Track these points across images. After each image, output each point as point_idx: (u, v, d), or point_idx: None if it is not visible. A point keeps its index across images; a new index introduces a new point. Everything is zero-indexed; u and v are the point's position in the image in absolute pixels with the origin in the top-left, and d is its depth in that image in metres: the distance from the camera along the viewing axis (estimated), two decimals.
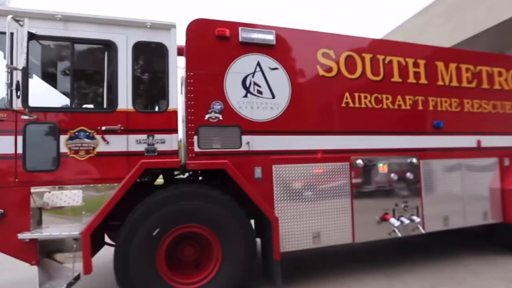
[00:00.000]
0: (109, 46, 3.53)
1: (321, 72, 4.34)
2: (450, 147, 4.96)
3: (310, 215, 4.04)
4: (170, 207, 3.27)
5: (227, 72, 3.91)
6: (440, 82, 5.04)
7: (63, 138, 3.33)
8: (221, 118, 3.84)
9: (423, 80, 4.92)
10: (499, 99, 5.43)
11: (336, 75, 4.41)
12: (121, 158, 3.48)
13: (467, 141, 5.11)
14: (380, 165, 4.48)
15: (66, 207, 3.32)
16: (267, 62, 4.09)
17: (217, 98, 3.85)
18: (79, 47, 3.45)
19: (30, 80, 3.29)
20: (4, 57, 2.91)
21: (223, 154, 3.79)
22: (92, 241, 3.19)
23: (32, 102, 3.27)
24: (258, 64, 4.05)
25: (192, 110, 3.74)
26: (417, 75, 4.88)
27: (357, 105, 4.48)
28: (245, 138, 3.89)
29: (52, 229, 3.29)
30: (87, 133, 3.39)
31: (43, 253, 3.29)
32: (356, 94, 4.49)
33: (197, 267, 3.63)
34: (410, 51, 4.92)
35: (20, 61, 2.98)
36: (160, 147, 3.61)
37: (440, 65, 5.06)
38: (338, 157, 4.27)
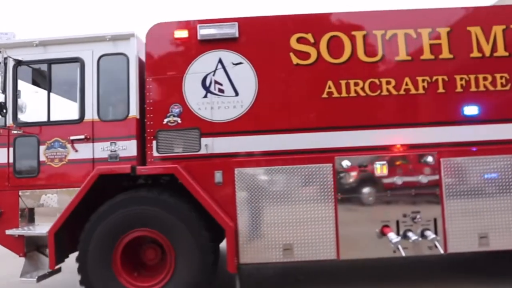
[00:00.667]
0: (78, 62, 3.86)
1: (296, 60, 3.78)
2: (491, 139, 3.68)
3: (279, 224, 3.58)
4: (112, 216, 3.40)
5: (186, 73, 3.79)
6: (475, 54, 3.78)
7: (42, 148, 3.81)
8: (179, 121, 3.75)
9: (445, 55, 3.78)
10: None
11: (315, 61, 3.78)
12: (88, 165, 3.77)
13: None
14: (377, 166, 3.64)
15: (46, 208, 3.80)
16: (230, 57, 3.80)
17: (176, 101, 3.77)
18: (55, 66, 3.88)
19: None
20: None
21: (181, 158, 3.69)
22: (69, 239, 3.57)
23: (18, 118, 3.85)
24: (220, 61, 3.80)
25: (151, 115, 3.76)
26: (435, 48, 3.78)
27: (344, 94, 3.75)
28: (204, 141, 3.71)
29: (39, 227, 3.80)
30: (60, 143, 3.79)
31: (32, 247, 3.83)
32: (343, 82, 3.75)
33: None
34: (425, 18, 3.84)
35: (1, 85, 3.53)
36: (122, 154, 3.75)
37: (475, 31, 3.79)
38: (317, 157, 3.66)
